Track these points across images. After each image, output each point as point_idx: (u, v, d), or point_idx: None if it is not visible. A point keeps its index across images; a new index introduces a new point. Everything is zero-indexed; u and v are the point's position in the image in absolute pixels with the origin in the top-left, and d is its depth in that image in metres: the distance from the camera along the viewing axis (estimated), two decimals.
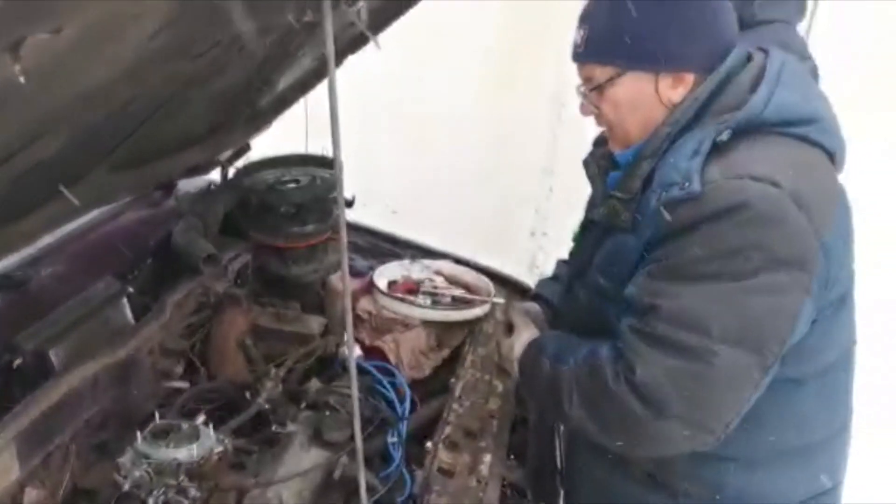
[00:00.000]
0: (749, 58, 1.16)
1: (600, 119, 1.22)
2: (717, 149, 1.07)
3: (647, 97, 1.14)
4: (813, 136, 1.10)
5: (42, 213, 1.17)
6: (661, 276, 1.08)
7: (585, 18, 1.17)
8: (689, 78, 1.13)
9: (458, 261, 2.08)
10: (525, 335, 1.35)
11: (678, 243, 1.06)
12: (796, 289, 1.04)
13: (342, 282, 1.89)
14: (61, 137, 0.89)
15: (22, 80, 0.60)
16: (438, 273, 2.01)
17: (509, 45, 3.02)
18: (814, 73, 1.68)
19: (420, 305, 1.85)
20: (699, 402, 1.06)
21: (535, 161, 3.37)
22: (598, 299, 1.21)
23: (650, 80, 1.13)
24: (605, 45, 1.15)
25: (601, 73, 1.16)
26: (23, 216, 1.12)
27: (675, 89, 1.13)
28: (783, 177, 1.03)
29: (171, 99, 1.17)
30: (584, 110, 1.22)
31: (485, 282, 1.97)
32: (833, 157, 1.15)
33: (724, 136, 1.07)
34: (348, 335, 0.91)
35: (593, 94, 1.18)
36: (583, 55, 1.18)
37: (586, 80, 1.19)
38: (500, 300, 1.89)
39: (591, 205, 1.34)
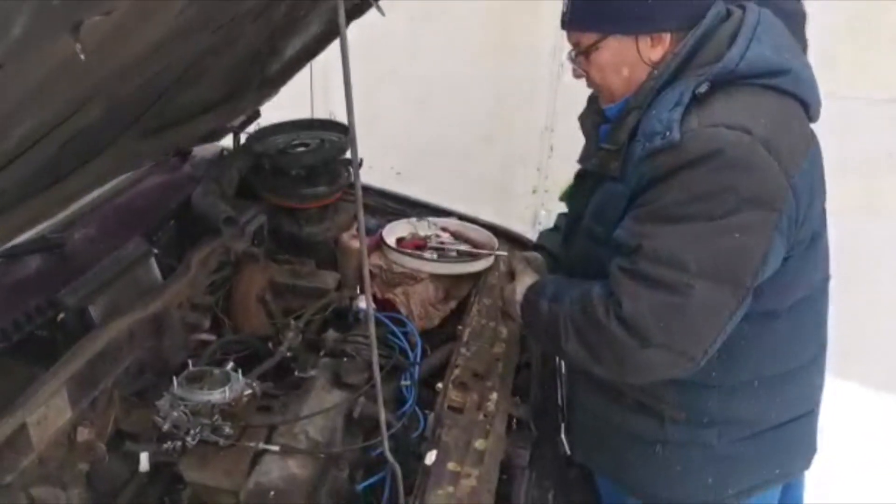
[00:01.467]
0: (728, 13, 1.25)
1: (590, 81, 1.32)
2: (696, 100, 1.16)
3: (630, 58, 1.23)
4: (785, 86, 1.19)
5: (78, 178, 1.27)
6: (644, 219, 1.17)
7: None
8: (667, 38, 1.22)
9: (463, 217, 2.18)
10: (526, 280, 1.45)
11: (660, 188, 1.15)
12: (767, 227, 1.13)
13: (358, 238, 2.00)
14: (101, 106, 0.98)
15: (82, 56, 0.69)
16: (444, 229, 2.11)
17: (508, 6, 3.05)
18: (800, 17, 1.69)
19: (428, 260, 1.94)
20: (679, 331, 1.16)
21: (536, 120, 3.42)
22: (592, 244, 1.31)
23: (630, 42, 1.22)
24: (587, 14, 1.25)
25: (586, 38, 1.26)
26: (62, 180, 1.22)
27: (655, 49, 1.22)
28: (755, 124, 1.12)
29: (191, 69, 1.25)
30: (576, 74, 1.32)
31: (489, 236, 2.06)
32: (807, 106, 1.24)
33: (703, 88, 1.15)
34: (366, 287, 1.00)
35: (581, 58, 1.28)
36: (569, 23, 1.28)
37: (574, 45, 1.29)
38: (504, 253, 1.99)
39: (585, 157, 1.43)
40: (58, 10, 0.63)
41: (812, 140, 1.25)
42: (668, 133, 1.14)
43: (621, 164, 1.24)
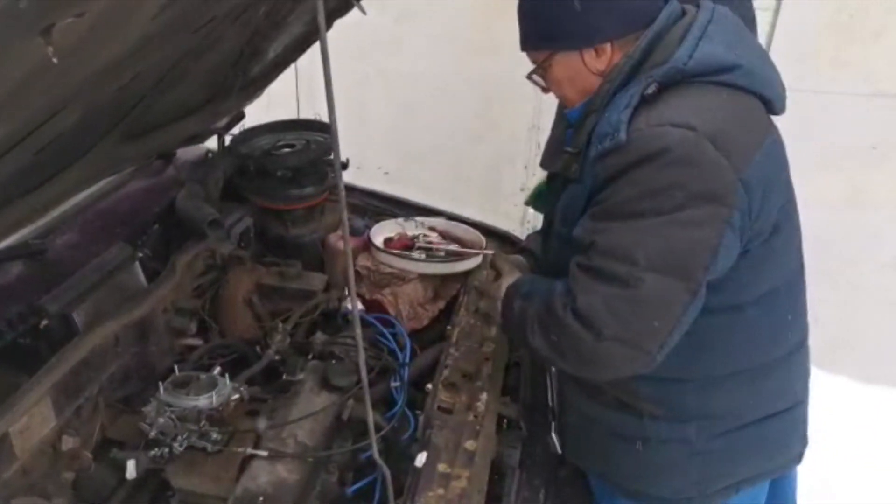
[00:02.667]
0: (684, 13, 1.27)
1: (553, 93, 1.39)
2: (645, 101, 1.19)
3: (578, 70, 1.29)
4: (736, 81, 1.20)
5: (57, 183, 1.25)
6: (598, 217, 1.21)
7: (518, 15, 1.33)
8: (608, 47, 1.26)
9: (451, 217, 2.17)
10: (508, 280, 1.47)
11: (612, 187, 1.19)
12: (716, 221, 1.15)
13: (343, 240, 1.98)
14: (77, 111, 0.96)
15: (55, 60, 0.68)
16: (432, 229, 2.10)
17: (493, 5, 3.04)
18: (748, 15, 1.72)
19: (416, 260, 1.94)
20: (631, 323, 1.17)
21: (523, 119, 3.42)
22: (563, 245, 1.33)
23: (576, 56, 1.28)
24: (532, 34, 1.33)
25: (537, 57, 1.33)
26: (40, 186, 1.20)
27: (600, 59, 1.27)
28: (700, 121, 1.14)
29: (171, 71, 1.24)
30: (543, 90, 1.39)
31: (476, 235, 2.05)
32: (765, 100, 1.25)
33: (651, 90, 1.18)
34: (350, 289, 0.99)
35: (538, 75, 1.35)
36: (522, 44, 1.36)
37: (532, 63, 1.36)
38: (491, 252, 1.98)
39: (547, 160, 1.48)
40: (27, 13, 0.61)
41: (768, 133, 1.26)
42: (616, 134, 1.17)
43: (580, 166, 1.28)
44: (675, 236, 1.15)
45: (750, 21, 1.69)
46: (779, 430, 1.42)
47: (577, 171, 1.28)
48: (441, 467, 1.30)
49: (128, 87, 1.05)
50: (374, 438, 1.12)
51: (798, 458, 1.50)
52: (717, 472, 1.39)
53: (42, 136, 0.94)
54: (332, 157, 2.09)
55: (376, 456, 1.12)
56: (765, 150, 1.21)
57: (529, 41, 1.34)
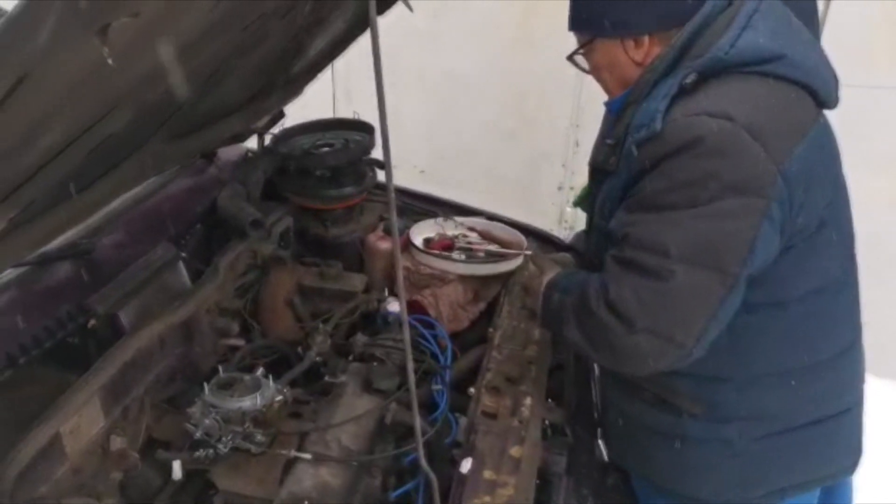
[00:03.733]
0: (731, 2, 1.23)
1: (595, 78, 1.38)
2: (684, 92, 1.17)
3: (619, 59, 1.28)
4: (779, 71, 1.17)
5: (106, 184, 1.25)
6: (632, 209, 1.20)
7: None
8: (645, 40, 1.25)
9: (491, 217, 2.14)
10: (549, 276, 1.47)
11: (646, 179, 1.17)
12: (752, 213, 1.12)
13: (386, 239, 1.97)
14: (129, 112, 0.96)
15: (110, 60, 0.67)
16: (472, 229, 2.07)
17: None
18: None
19: (456, 260, 1.91)
20: (663, 316, 1.15)
21: (561, 116, 3.37)
22: (601, 240, 1.31)
23: (617, 44, 1.27)
24: (577, 16, 1.32)
25: (580, 39, 1.33)
26: (90, 186, 1.20)
27: (638, 50, 1.26)
28: (738, 111, 1.11)
29: (218, 70, 1.23)
30: (585, 72, 1.38)
31: (517, 235, 2.02)
32: (813, 91, 1.21)
33: (690, 79, 1.16)
34: (399, 289, 0.97)
35: (580, 57, 1.35)
36: (570, 25, 1.35)
37: (577, 43, 1.35)
38: (531, 253, 1.95)
39: (595, 154, 1.45)
40: (85, 14, 0.60)
41: (814, 125, 1.21)
42: (652, 124, 1.16)
43: (618, 158, 1.27)
44: (709, 228, 1.12)
45: (810, 15, 1.63)
46: (826, 437, 1.37)
47: (615, 163, 1.27)
48: (487, 474, 1.27)
49: (175, 87, 1.04)
50: (420, 443, 1.10)
51: (851, 468, 1.44)
52: (758, 476, 1.35)
53: (94, 136, 0.93)
54: (370, 156, 2.08)
55: (423, 462, 1.10)
56: (809, 142, 1.18)
57: (574, 21, 1.33)
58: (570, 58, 1.35)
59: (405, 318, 1.00)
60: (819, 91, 1.22)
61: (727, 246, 1.13)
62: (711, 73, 1.17)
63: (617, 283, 1.18)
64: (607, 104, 1.38)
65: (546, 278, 1.47)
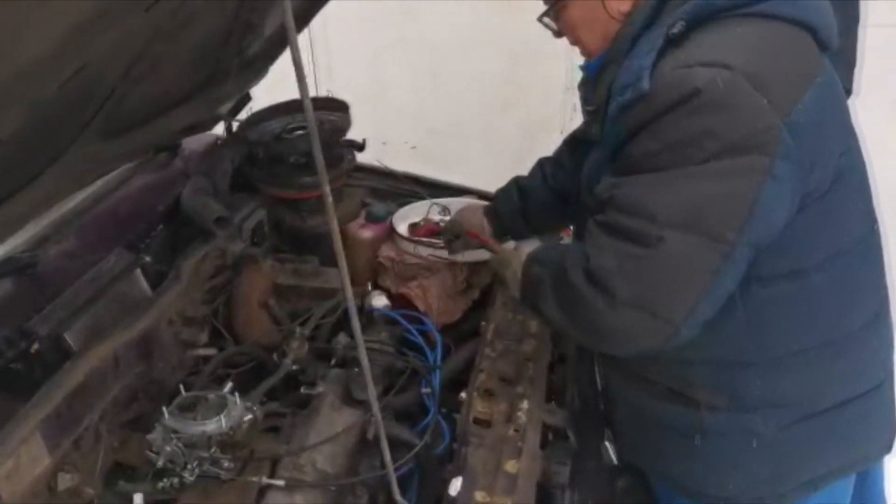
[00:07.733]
0: None
1: (569, 40, 1.25)
2: (671, 43, 1.05)
3: (598, 14, 1.15)
4: (777, 10, 1.05)
5: (31, 193, 1.11)
6: (619, 172, 1.09)
7: None
8: None
9: (482, 196, 1.98)
10: (521, 250, 1.35)
11: (634, 142, 1.05)
12: (753, 172, 0.99)
13: (368, 228, 1.81)
14: (16, 115, 0.81)
15: None
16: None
17: None
18: None
19: (444, 246, 1.76)
20: (647, 287, 1.03)
21: (555, 79, 3.18)
22: (588, 212, 1.18)
23: None
24: None
25: None
26: (8, 198, 1.05)
27: (623, 1, 1.13)
28: (736, 58, 0.99)
29: (139, 59, 1.07)
30: (556, 35, 1.25)
31: None
32: (813, 30, 1.08)
33: (677, 29, 1.04)
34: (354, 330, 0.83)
35: (551, 18, 1.22)
36: None
37: (545, 5, 1.22)
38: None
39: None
40: None
41: (819, 69, 1.07)
42: (638, 83, 1.03)
43: (600, 125, 1.15)
44: (703, 190, 1.00)
45: (853, 20, 1.53)
46: (859, 417, 1.25)
47: (598, 132, 1.16)
48: (479, 496, 1.14)
49: (77, 82, 0.88)
50: (393, 474, 0.97)
51: (888, 446, 1.33)
52: (789, 467, 1.23)
53: None
54: (347, 136, 1.92)
55: (397, 496, 0.97)
56: (816, 88, 1.05)
57: None
58: (541, 19, 1.23)
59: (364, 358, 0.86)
60: (820, 30, 1.09)
61: (722, 210, 1.01)
62: (701, 20, 1.04)
63: (598, 250, 1.07)
64: (583, 67, 1.25)
65: (524, 252, 1.34)
